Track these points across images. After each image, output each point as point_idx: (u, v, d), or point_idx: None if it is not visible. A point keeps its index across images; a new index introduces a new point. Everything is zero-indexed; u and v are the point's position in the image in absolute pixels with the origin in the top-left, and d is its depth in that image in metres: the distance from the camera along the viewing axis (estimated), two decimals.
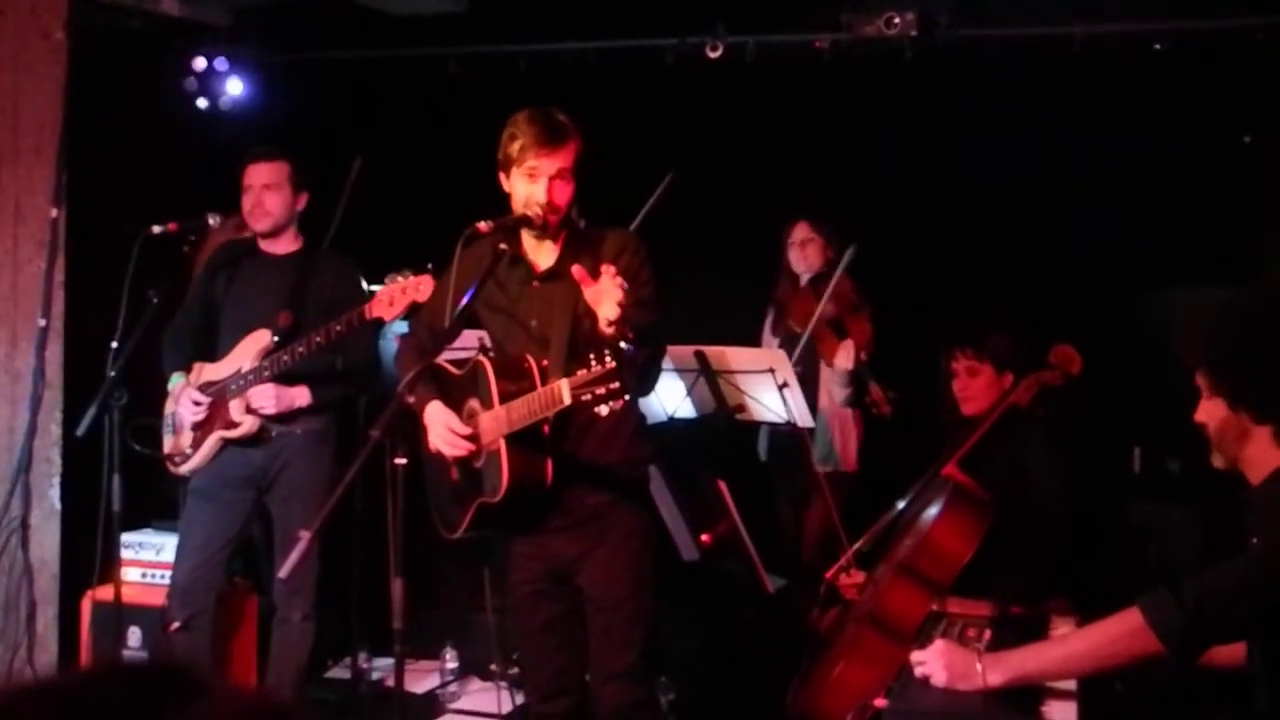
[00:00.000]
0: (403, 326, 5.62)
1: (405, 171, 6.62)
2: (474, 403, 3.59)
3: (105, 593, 4.82)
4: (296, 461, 4.82)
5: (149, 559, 5.42)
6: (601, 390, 3.06)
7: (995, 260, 6.08)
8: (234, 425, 4.76)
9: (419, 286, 4.17)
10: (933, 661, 2.99)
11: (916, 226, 6.18)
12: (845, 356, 5.68)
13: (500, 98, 3.94)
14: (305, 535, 3.13)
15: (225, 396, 4.76)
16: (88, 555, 4.82)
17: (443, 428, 3.58)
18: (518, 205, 3.53)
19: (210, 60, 6.48)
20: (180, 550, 4.88)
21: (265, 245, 4.91)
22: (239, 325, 4.80)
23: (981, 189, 6.11)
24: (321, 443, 4.87)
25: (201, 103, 6.52)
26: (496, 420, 3.46)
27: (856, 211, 6.02)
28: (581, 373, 3.10)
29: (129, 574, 5.25)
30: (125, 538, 5.18)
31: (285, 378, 4.71)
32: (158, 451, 4.92)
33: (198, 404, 4.77)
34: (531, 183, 3.50)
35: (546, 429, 3.45)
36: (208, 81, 6.51)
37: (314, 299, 4.80)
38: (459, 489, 3.67)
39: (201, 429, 4.81)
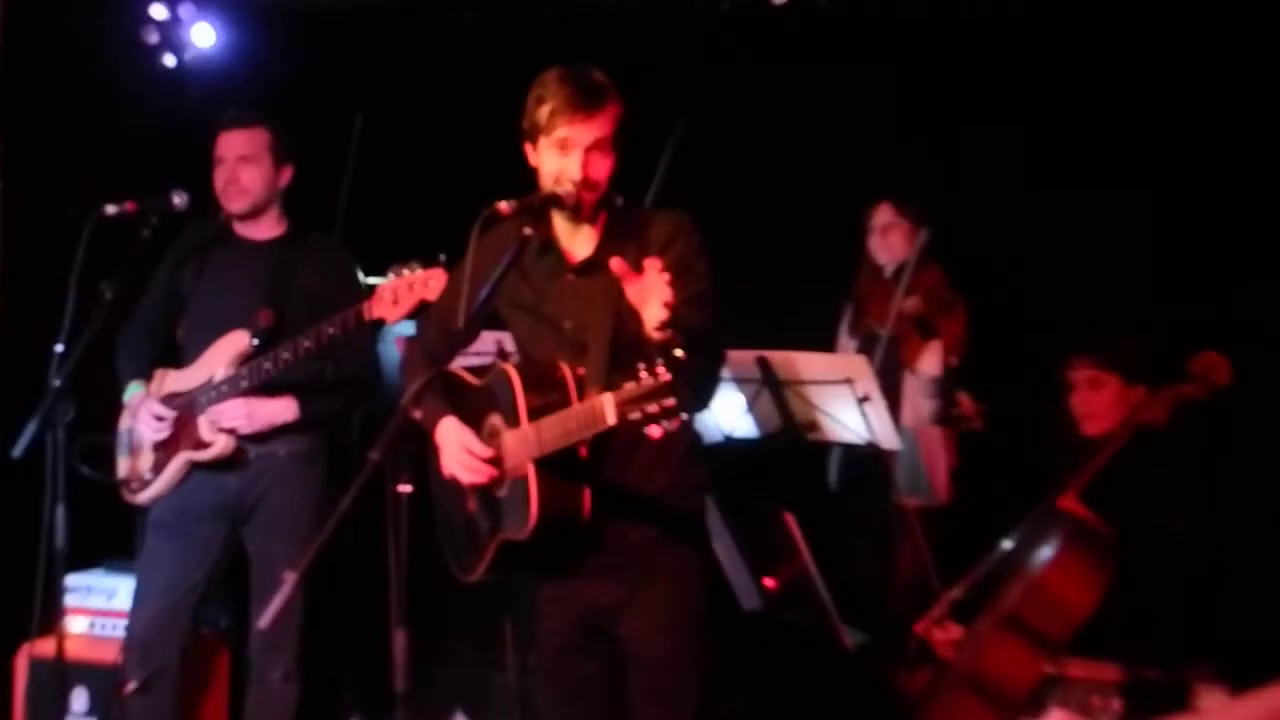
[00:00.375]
0: (407, 328, 5.65)
1: (411, 142, 6.64)
2: (496, 419, 3.59)
3: (45, 647, 4.85)
4: (278, 489, 4.82)
5: (99, 606, 5.44)
6: (653, 408, 3.04)
7: (1124, 248, 6.02)
8: (204, 445, 4.77)
9: (428, 282, 4.15)
10: None
11: (1021, 205, 6.13)
12: (931, 360, 5.67)
13: (523, 53, 3.94)
14: (290, 577, 3.14)
15: (194, 410, 4.77)
16: (24, 601, 4.82)
17: (459, 449, 3.58)
18: (547, 182, 3.52)
19: (173, 6, 6.51)
20: (138, 595, 4.88)
21: (242, 229, 4.93)
22: (210, 325, 4.81)
23: (1105, 156, 6.04)
24: (307, 466, 4.87)
25: (165, 59, 6.55)
26: (524, 441, 3.44)
27: (946, 189, 5.99)
28: (629, 386, 3.08)
29: (75, 624, 5.29)
30: (70, 580, 5.22)
31: (266, 388, 4.72)
32: (110, 476, 4.93)
33: (160, 419, 4.78)
34: (563, 155, 3.49)
35: (584, 451, 3.43)
36: (171, 32, 6.55)
37: (300, 294, 4.81)
38: (477, 523, 3.67)
39: (165, 449, 4.83)
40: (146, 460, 4.87)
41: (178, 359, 4.90)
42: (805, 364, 5.16)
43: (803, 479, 5.80)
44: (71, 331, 4.61)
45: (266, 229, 4.94)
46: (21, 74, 5.66)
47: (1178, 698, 3.53)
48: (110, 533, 5.58)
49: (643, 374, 3.05)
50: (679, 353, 3.09)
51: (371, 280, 5.30)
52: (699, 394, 3.42)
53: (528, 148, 3.59)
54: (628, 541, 3.59)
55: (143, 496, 4.87)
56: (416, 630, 3.44)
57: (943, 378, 5.69)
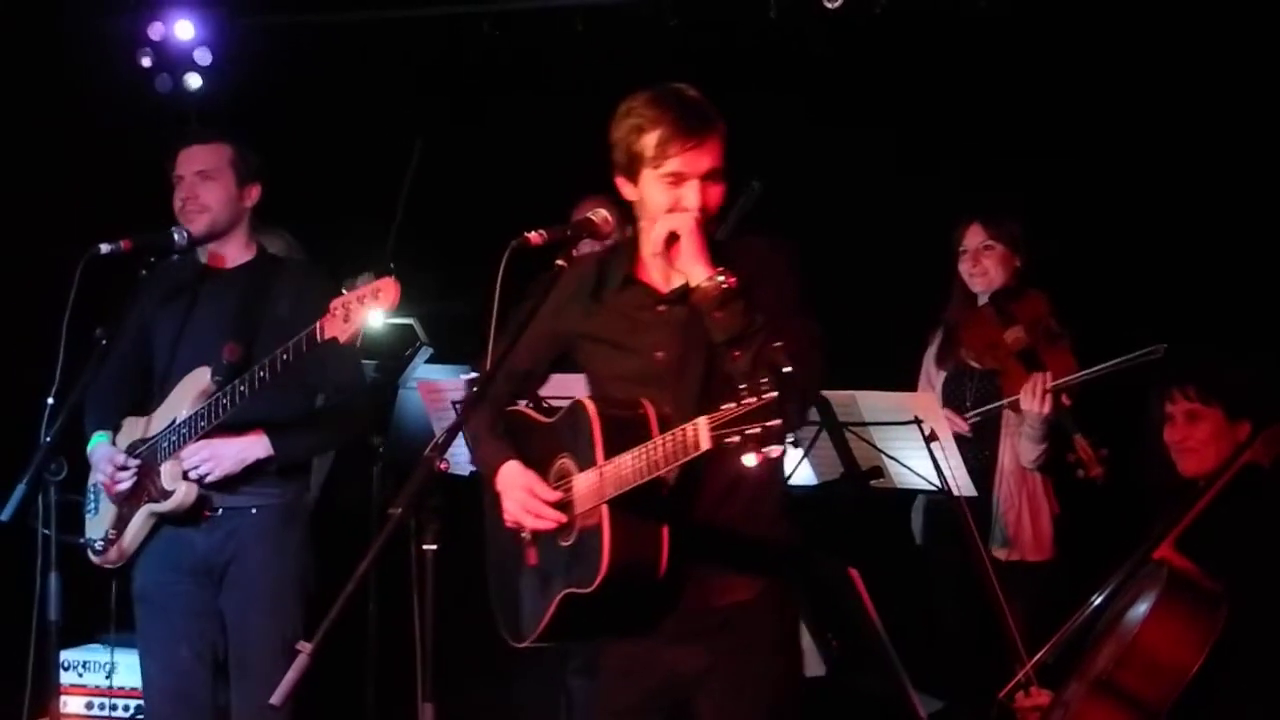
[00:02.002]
0: (431, 372, 5.69)
1: (434, 164, 6.68)
2: (566, 460, 3.57)
3: None
4: (252, 549, 4.77)
5: (96, 684, 5.49)
6: (755, 429, 3.01)
7: (1230, 269, 6.01)
8: (164, 495, 4.73)
9: (377, 293, 4.14)
10: None
11: (1119, 222, 6.13)
12: (1037, 398, 5.52)
13: (549, 66, 3.97)
14: (305, 648, 3.15)
15: (156, 458, 4.75)
16: (15, 680, 4.80)
17: (523, 493, 3.55)
18: (656, 215, 3.51)
19: (169, 25, 6.58)
20: (145, 681, 4.89)
21: (209, 258, 4.91)
22: (178, 364, 4.80)
23: (1210, 169, 6.03)
24: (284, 523, 4.83)
25: (161, 82, 6.62)
26: (600, 481, 3.41)
27: (1045, 206, 5.97)
28: (727, 407, 3.06)
29: (70, 704, 5.32)
30: (65, 656, 5.25)
31: (235, 428, 4.68)
32: (75, 536, 4.86)
33: (123, 469, 4.76)
34: (674, 188, 3.49)
35: (665, 490, 3.40)
36: (167, 53, 6.61)
37: (271, 324, 4.76)
38: (538, 577, 3.63)
39: (128, 503, 4.80)
40: (109, 517, 4.85)
41: (139, 406, 4.90)
42: (868, 402, 5.15)
43: (876, 531, 5.77)
44: (63, 382, 4.61)
45: (234, 254, 4.90)
46: (6, 100, 5.71)
47: None
48: (109, 604, 5.61)
49: (744, 394, 3.03)
50: (787, 369, 3.06)
51: (398, 320, 5.34)
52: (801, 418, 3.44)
53: (622, 181, 3.58)
54: (715, 603, 3.54)
55: (108, 557, 4.84)
56: (448, 704, 3.43)
57: (1051, 418, 5.57)
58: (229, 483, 4.73)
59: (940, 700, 5.00)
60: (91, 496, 4.93)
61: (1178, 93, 6.07)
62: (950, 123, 6.36)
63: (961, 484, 5.23)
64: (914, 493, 5.57)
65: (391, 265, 4.01)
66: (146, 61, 6.60)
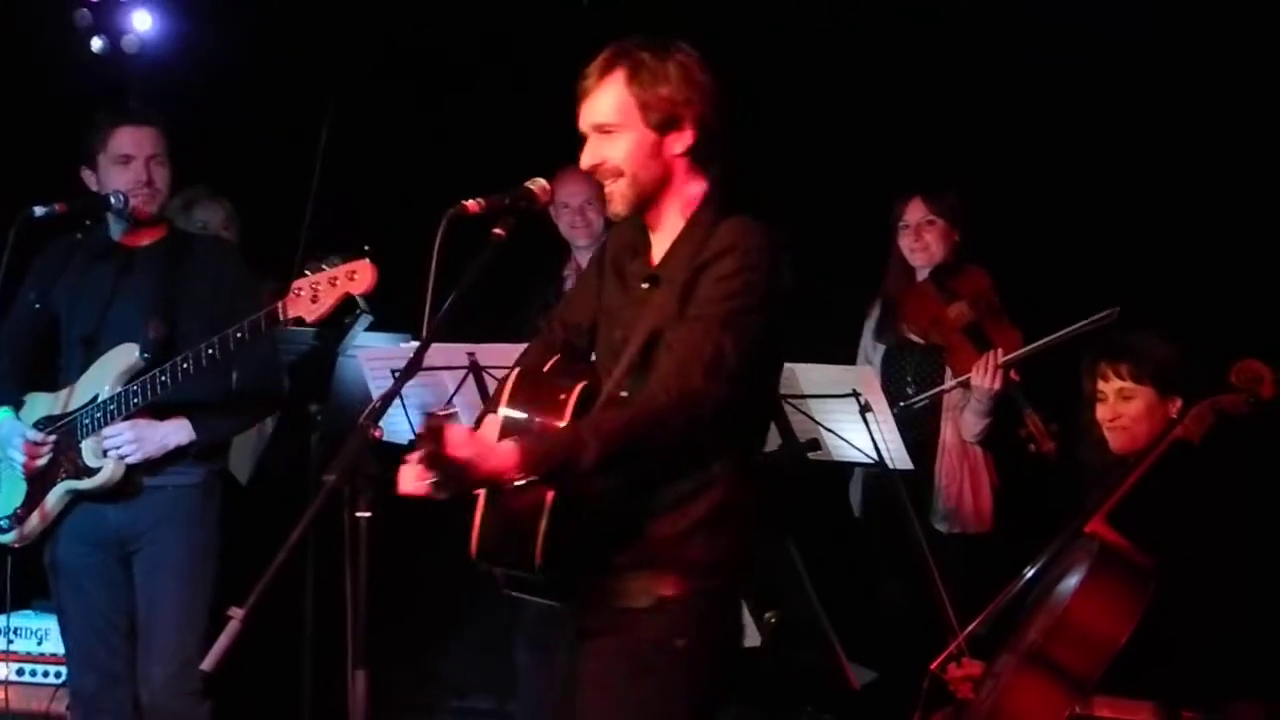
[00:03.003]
0: (370, 339, 5.68)
1: (387, 140, 6.65)
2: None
3: None
4: (166, 525, 4.80)
5: (27, 650, 5.49)
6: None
7: (1159, 245, 6.05)
8: (88, 472, 4.73)
9: (352, 275, 4.15)
10: None
11: (1046, 198, 6.16)
12: (989, 374, 5.54)
13: (507, 34, 3.89)
14: (236, 613, 3.15)
15: (75, 435, 4.74)
16: None
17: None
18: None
19: None
20: (68, 653, 4.94)
21: (119, 234, 4.90)
22: (88, 341, 4.80)
23: (1139, 145, 6.08)
24: (200, 500, 4.86)
25: (96, 43, 6.57)
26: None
27: (977, 182, 6.00)
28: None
29: (1, 671, 5.31)
30: None
31: (156, 410, 4.70)
32: None
33: (37, 445, 4.75)
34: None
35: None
36: (106, 12, 6.55)
37: (192, 302, 4.80)
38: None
39: (39, 480, 4.79)
40: (17, 494, 4.83)
41: (49, 380, 4.89)
42: (806, 376, 5.18)
43: (814, 503, 5.80)
44: None
45: (148, 233, 4.90)
46: None
47: None
48: (38, 570, 5.59)
49: None
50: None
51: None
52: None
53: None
54: (607, 605, 3.40)
55: (14, 535, 4.83)
56: (395, 673, 3.42)
57: (1001, 392, 5.54)
58: (157, 460, 4.75)
59: (874, 671, 5.04)
60: None
61: (1109, 56, 6.09)
62: (891, 95, 6.36)
63: (897, 458, 5.27)
64: (852, 465, 5.60)
65: (366, 247, 3.95)
66: (84, 21, 6.53)
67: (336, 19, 6.65)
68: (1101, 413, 4.50)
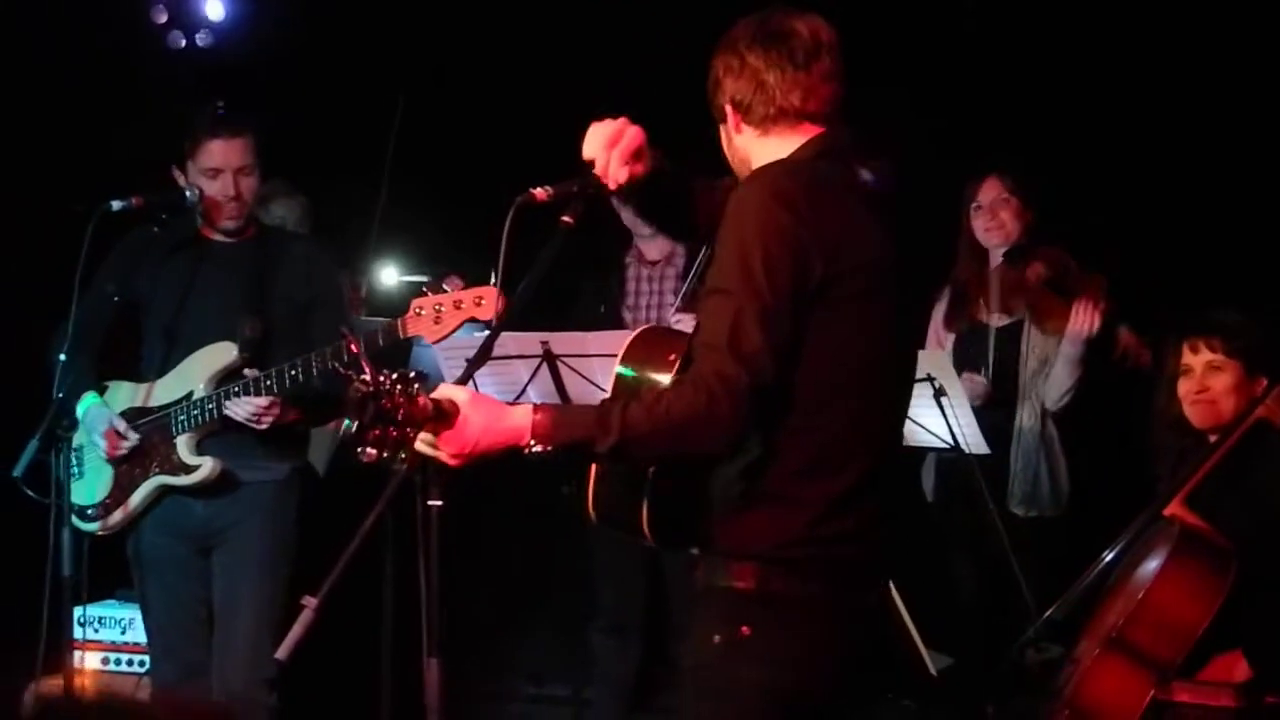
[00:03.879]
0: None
1: (453, 127, 6.67)
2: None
3: (54, 685, 4.91)
4: (250, 518, 4.84)
5: (112, 639, 5.56)
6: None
7: (1251, 219, 5.97)
8: (184, 469, 4.78)
9: (479, 300, 4.17)
10: None
11: (1131, 170, 6.10)
12: (1087, 315, 5.44)
13: (580, 31, 3.89)
14: (310, 602, 3.17)
15: (170, 431, 4.78)
16: (29, 637, 4.82)
17: None
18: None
19: None
20: (151, 644, 5.01)
21: (208, 230, 4.93)
22: (178, 334, 4.83)
23: (1230, 110, 5.98)
24: (284, 496, 4.91)
25: (175, 38, 6.61)
26: None
27: (1055, 158, 5.94)
28: None
29: (87, 659, 5.36)
30: (79, 612, 5.28)
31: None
32: (58, 498, 4.75)
33: (120, 436, 4.78)
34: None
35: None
36: (181, 8, 6.60)
37: (284, 300, 4.84)
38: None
39: (127, 472, 4.84)
40: (105, 484, 4.89)
41: (131, 370, 4.92)
42: None
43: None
44: (75, 338, 4.63)
45: (238, 230, 4.94)
46: (12, 58, 5.70)
47: None
48: (124, 560, 5.64)
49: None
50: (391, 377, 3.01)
51: (411, 278, 5.35)
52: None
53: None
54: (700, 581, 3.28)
55: (98, 524, 4.88)
56: (471, 661, 3.43)
57: (1096, 335, 5.46)
58: (241, 455, 4.80)
59: (951, 657, 5.01)
60: (75, 459, 4.92)
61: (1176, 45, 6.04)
62: (949, 78, 6.32)
63: (973, 442, 5.25)
64: (924, 451, 5.57)
65: (495, 278, 3.93)
66: (161, 18, 6.58)
67: (408, 12, 6.69)
68: (1186, 386, 4.44)
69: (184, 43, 6.64)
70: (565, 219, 3.48)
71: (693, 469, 3.18)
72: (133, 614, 5.48)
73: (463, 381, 3.37)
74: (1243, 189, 5.93)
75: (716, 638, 3.16)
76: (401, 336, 4.37)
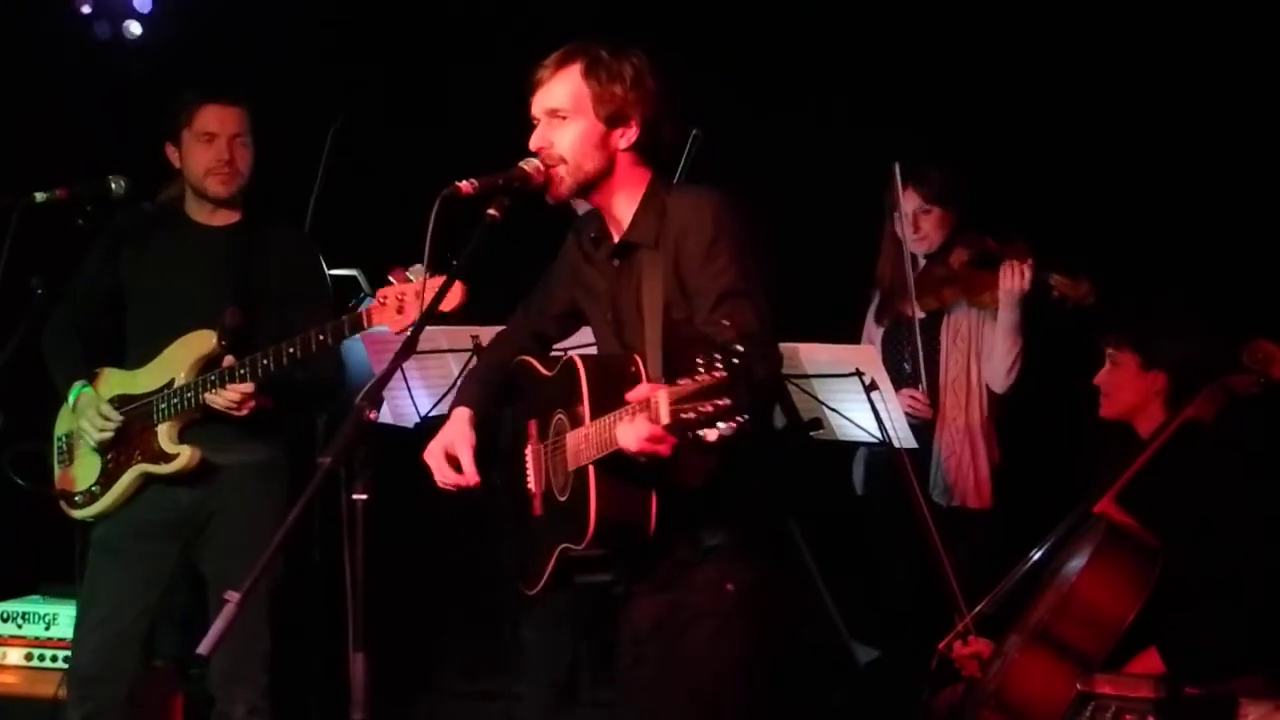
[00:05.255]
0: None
1: (403, 122, 6.63)
2: (561, 416, 3.61)
3: None
4: (235, 504, 4.81)
5: (36, 635, 5.47)
6: (708, 407, 3.01)
7: (1175, 218, 6.00)
8: (165, 457, 4.74)
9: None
10: None
11: (1052, 168, 6.12)
12: (1015, 274, 5.46)
13: (509, 31, 3.91)
14: (232, 597, 3.14)
15: (151, 419, 4.75)
16: None
17: (437, 447, 3.68)
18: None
19: None
20: (81, 623, 4.90)
21: (195, 212, 4.91)
22: (162, 321, 4.80)
23: (1153, 110, 6.01)
24: (267, 479, 4.87)
25: (100, 29, 6.56)
26: (586, 443, 3.44)
27: (969, 155, 5.96)
28: (684, 382, 3.06)
29: (9, 656, 5.33)
30: (2, 607, 5.24)
31: None
32: (47, 487, 4.90)
33: (107, 420, 4.77)
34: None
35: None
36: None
37: (265, 288, 4.81)
38: (542, 527, 3.69)
39: (115, 459, 4.81)
40: (92, 470, 4.84)
41: (117, 356, 4.89)
42: (809, 355, 5.16)
43: (817, 482, 5.78)
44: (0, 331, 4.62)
45: (224, 214, 4.91)
46: None
47: (1224, 716, 3.54)
48: (48, 555, 5.59)
49: (699, 371, 3.03)
50: (740, 347, 3.02)
51: (339, 271, 5.31)
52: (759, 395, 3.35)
53: None
54: (679, 556, 3.55)
55: (88, 510, 4.84)
56: (398, 655, 3.42)
57: (1028, 290, 5.47)
58: (222, 441, 4.75)
59: (877, 650, 5.03)
60: (63, 446, 4.91)
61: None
62: (884, 75, 6.34)
63: (902, 435, 5.25)
64: (854, 445, 5.58)
65: (454, 262, 3.94)
66: (85, 8, 6.53)
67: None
68: (1096, 378, 4.58)
69: (109, 33, 6.56)
70: (491, 212, 3.49)
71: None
72: (56, 609, 5.42)
73: (387, 376, 3.38)
74: (1163, 171, 5.96)
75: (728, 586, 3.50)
76: (366, 326, 4.34)
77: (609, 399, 3.37)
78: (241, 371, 4.57)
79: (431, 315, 3.56)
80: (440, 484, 3.66)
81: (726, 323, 3.17)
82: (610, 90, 3.54)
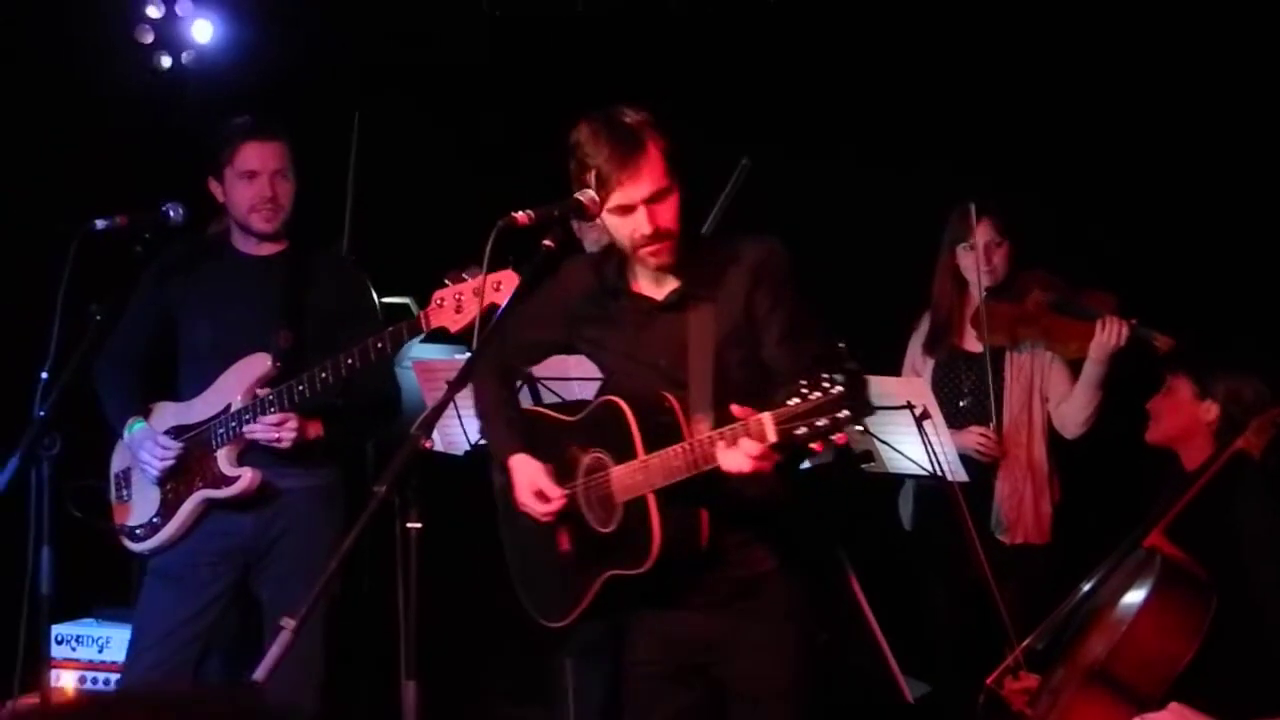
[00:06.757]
0: (426, 351, 5.68)
1: (420, 143, 6.66)
2: (599, 454, 3.73)
3: (30, 704, 4.88)
4: (296, 530, 4.81)
5: (89, 658, 5.50)
6: (822, 422, 3.23)
7: (1230, 252, 5.96)
8: (225, 481, 4.75)
9: (498, 285, 4.11)
10: None
11: (1108, 200, 6.10)
12: (1114, 330, 5.37)
13: (551, 49, 3.95)
14: (289, 624, 3.15)
15: (210, 445, 4.76)
16: (6, 654, 4.80)
17: (530, 489, 3.78)
18: (624, 244, 3.68)
19: (170, 3, 6.56)
20: (134, 645, 4.90)
21: (242, 244, 4.94)
22: (214, 350, 4.81)
23: (1211, 148, 5.98)
24: (327, 505, 4.87)
25: (160, 59, 6.60)
26: (647, 473, 3.59)
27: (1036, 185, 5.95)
28: (793, 402, 3.26)
29: (62, 678, 5.33)
30: (57, 630, 5.25)
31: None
32: (105, 521, 4.91)
33: (165, 449, 4.78)
34: (626, 218, 3.62)
35: (703, 476, 3.57)
36: (167, 29, 6.58)
37: (315, 312, 4.82)
38: (573, 561, 3.82)
39: (174, 489, 4.82)
40: (151, 502, 4.85)
41: (166, 388, 4.90)
42: None
43: (866, 515, 5.76)
44: (57, 358, 4.59)
45: (270, 245, 4.93)
46: (3, 77, 5.70)
47: None
48: (102, 579, 5.61)
49: (804, 390, 3.24)
50: (850, 365, 3.26)
51: (392, 299, 5.33)
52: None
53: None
54: (737, 574, 3.74)
55: (150, 543, 4.85)
56: (448, 683, 3.43)
57: (1131, 335, 5.36)
58: (282, 465, 4.76)
59: (927, 685, 4.99)
60: (120, 482, 4.93)
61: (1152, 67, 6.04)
62: (931, 106, 6.33)
63: (954, 469, 5.21)
64: (903, 478, 5.55)
65: (510, 258, 3.99)
66: (147, 38, 6.57)
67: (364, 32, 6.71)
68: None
69: (169, 63, 6.61)
70: (547, 243, 3.52)
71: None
72: (110, 632, 5.45)
73: (443, 405, 3.39)
74: (1228, 214, 5.93)
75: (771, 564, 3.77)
76: (425, 330, 4.38)
77: (655, 434, 3.59)
78: (301, 388, 4.58)
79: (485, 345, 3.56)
80: (543, 519, 3.78)
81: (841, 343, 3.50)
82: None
